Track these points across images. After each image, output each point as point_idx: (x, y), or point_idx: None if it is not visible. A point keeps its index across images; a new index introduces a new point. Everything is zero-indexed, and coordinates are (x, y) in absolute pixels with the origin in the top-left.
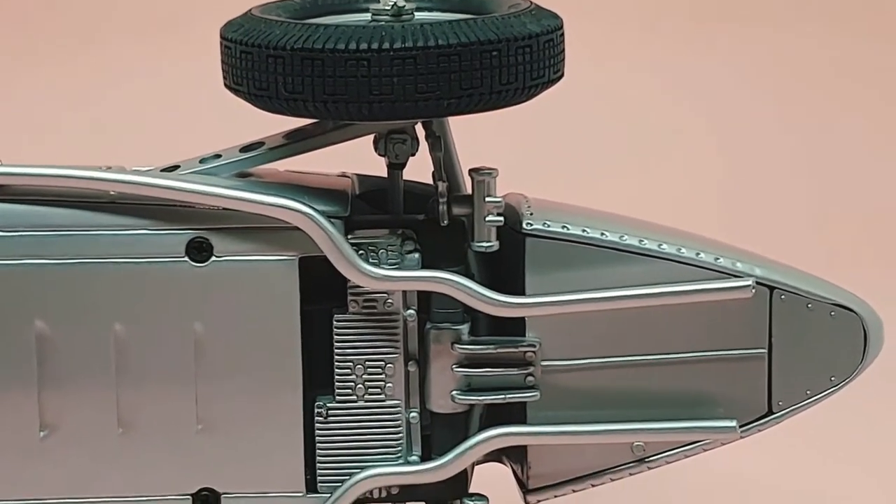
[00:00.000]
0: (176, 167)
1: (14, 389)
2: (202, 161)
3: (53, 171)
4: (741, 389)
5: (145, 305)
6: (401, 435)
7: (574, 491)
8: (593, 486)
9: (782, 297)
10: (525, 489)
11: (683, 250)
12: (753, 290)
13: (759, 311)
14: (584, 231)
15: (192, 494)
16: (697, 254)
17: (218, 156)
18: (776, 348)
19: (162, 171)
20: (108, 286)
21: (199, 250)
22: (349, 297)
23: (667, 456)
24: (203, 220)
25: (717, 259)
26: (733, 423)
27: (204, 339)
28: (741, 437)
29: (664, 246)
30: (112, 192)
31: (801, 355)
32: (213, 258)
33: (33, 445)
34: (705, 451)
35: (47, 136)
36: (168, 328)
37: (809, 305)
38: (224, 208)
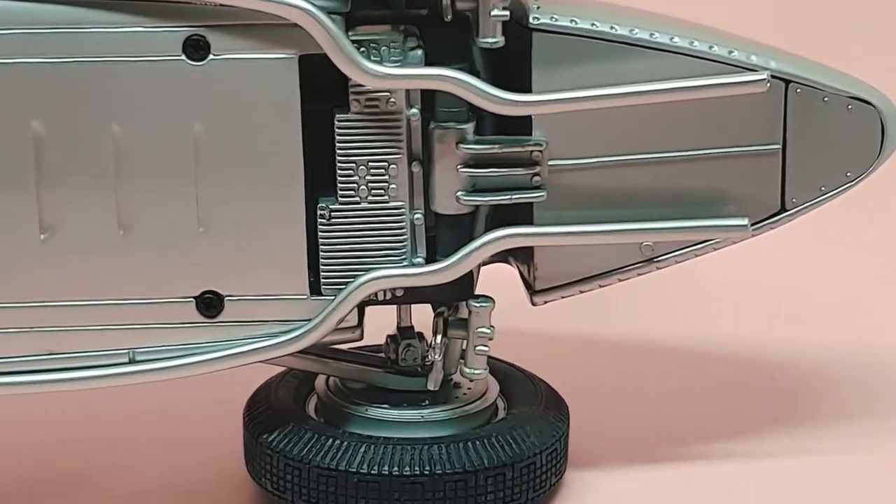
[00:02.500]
0: None
1: (12, 192)
2: None
3: None
4: (754, 187)
5: (143, 105)
6: (405, 236)
7: (581, 292)
8: (601, 286)
9: (798, 90)
10: (532, 290)
11: (696, 43)
12: (768, 84)
13: (773, 105)
14: (593, 25)
15: (195, 297)
16: (710, 47)
17: None
18: (791, 144)
19: None
20: (105, 86)
21: (196, 48)
22: (351, 97)
23: (676, 255)
24: (200, 17)
25: (731, 52)
26: (745, 221)
27: (203, 139)
28: (753, 235)
29: (676, 39)
30: None
31: (816, 150)
32: (211, 56)
33: (33, 248)
34: (716, 250)
35: None
36: (166, 128)
37: (826, 99)
38: (221, 4)
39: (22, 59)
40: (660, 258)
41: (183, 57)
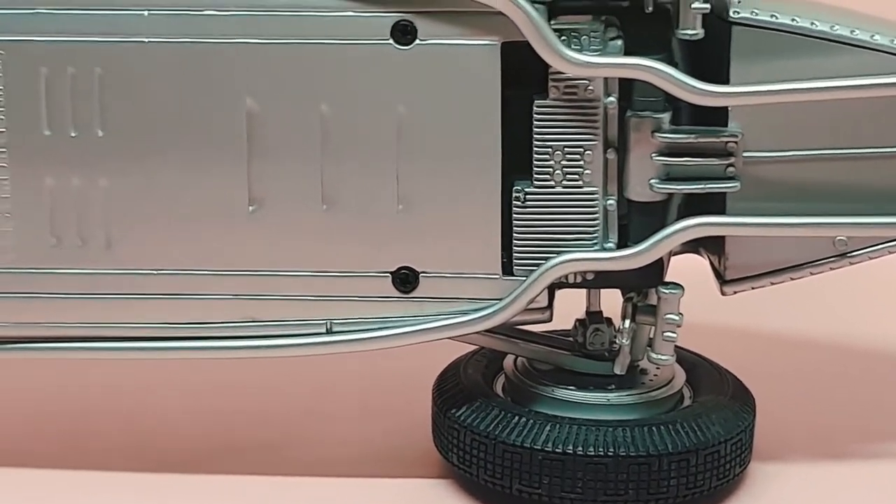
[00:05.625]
0: None
1: (225, 165)
2: None
3: None
4: None
5: (350, 86)
6: (598, 221)
7: (772, 283)
8: (792, 279)
9: None
10: (722, 280)
11: None
12: None
13: None
14: (793, 20)
15: (391, 272)
16: None
17: None
18: None
19: None
20: (316, 66)
21: (403, 33)
22: (550, 83)
23: (870, 251)
24: (408, 4)
25: None
26: None
27: (406, 120)
28: None
29: (877, 37)
30: None
31: None
32: (417, 41)
33: (242, 219)
34: None
35: None
36: (372, 109)
37: None
38: None
39: (241, 40)
40: (853, 253)
41: (391, 41)
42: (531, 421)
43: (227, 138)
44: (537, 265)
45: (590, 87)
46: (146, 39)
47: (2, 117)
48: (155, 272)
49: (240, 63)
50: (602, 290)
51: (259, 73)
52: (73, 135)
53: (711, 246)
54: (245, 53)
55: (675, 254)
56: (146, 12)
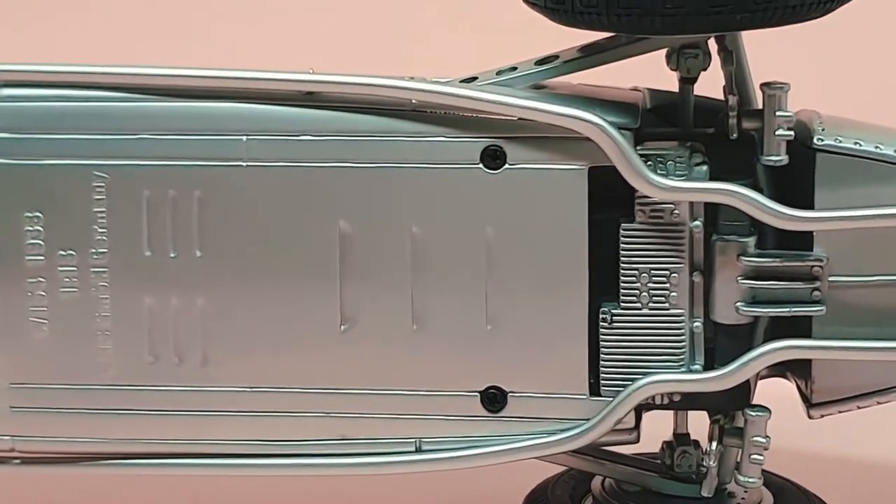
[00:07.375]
0: (474, 78)
1: (319, 285)
2: (499, 73)
3: (360, 79)
4: None
5: (440, 209)
6: (684, 343)
7: (859, 407)
8: (879, 403)
9: None
10: (808, 403)
11: None
12: None
13: None
14: (876, 147)
15: (480, 392)
16: None
17: (514, 68)
18: None
19: (461, 82)
20: (407, 190)
21: (493, 158)
22: (636, 207)
23: None
24: (498, 129)
25: None
26: None
27: (495, 243)
28: None
29: None
30: (414, 101)
31: None
32: (507, 166)
33: (334, 338)
34: None
35: (349, 46)
36: (461, 231)
37: None
38: (518, 118)
39: (336, 164)
40: None
41: (480, 165)
42: None
43: (321, 259)
44: (624, 386)
45: (676, 212)
46: (244, 163)
47: (104, 238)
48: (249, 390)
49: (334, 186)
50: (689, 412)
51: (352, 195)
52: (172, 255)
53: (798, 369)
54: (340, 177)
55: (762, 377)
56: (245, 137)
